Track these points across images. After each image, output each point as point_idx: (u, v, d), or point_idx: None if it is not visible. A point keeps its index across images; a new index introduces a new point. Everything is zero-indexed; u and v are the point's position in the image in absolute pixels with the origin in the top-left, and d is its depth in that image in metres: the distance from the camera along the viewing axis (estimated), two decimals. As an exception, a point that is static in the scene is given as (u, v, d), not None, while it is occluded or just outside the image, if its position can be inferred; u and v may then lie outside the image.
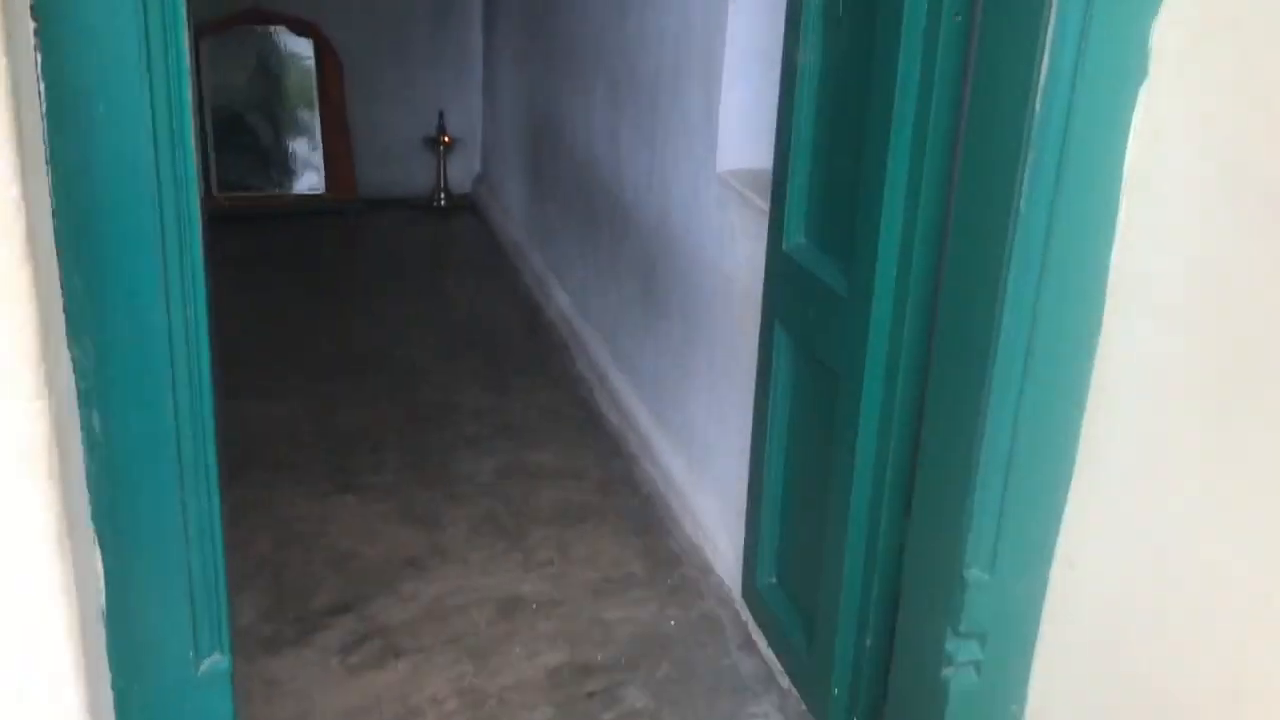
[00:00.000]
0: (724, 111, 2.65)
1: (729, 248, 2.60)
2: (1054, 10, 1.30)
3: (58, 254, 1.21)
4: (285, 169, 5.42)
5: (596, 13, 3.63)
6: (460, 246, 5.12)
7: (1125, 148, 1.35)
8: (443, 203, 5.57)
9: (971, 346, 1.48)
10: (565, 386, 3.63)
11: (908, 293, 1.69)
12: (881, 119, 1.65)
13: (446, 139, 5.56)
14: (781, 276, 2.06)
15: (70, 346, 1.26)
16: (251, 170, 5.37)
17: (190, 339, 1.33)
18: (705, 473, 2.84)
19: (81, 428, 1.29)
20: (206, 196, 5.25)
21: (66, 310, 1.24)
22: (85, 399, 1.29)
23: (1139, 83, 1.32)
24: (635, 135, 3.28)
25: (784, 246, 2.04)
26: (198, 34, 5.19)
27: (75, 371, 1.27)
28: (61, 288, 1.22)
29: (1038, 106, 1.34)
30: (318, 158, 5.44)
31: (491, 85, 5.50)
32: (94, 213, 1.24)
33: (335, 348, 3.82)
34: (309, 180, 5.43)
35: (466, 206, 5.63)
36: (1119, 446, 1.42)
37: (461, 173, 5.81)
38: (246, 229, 5.11)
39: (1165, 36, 1.30)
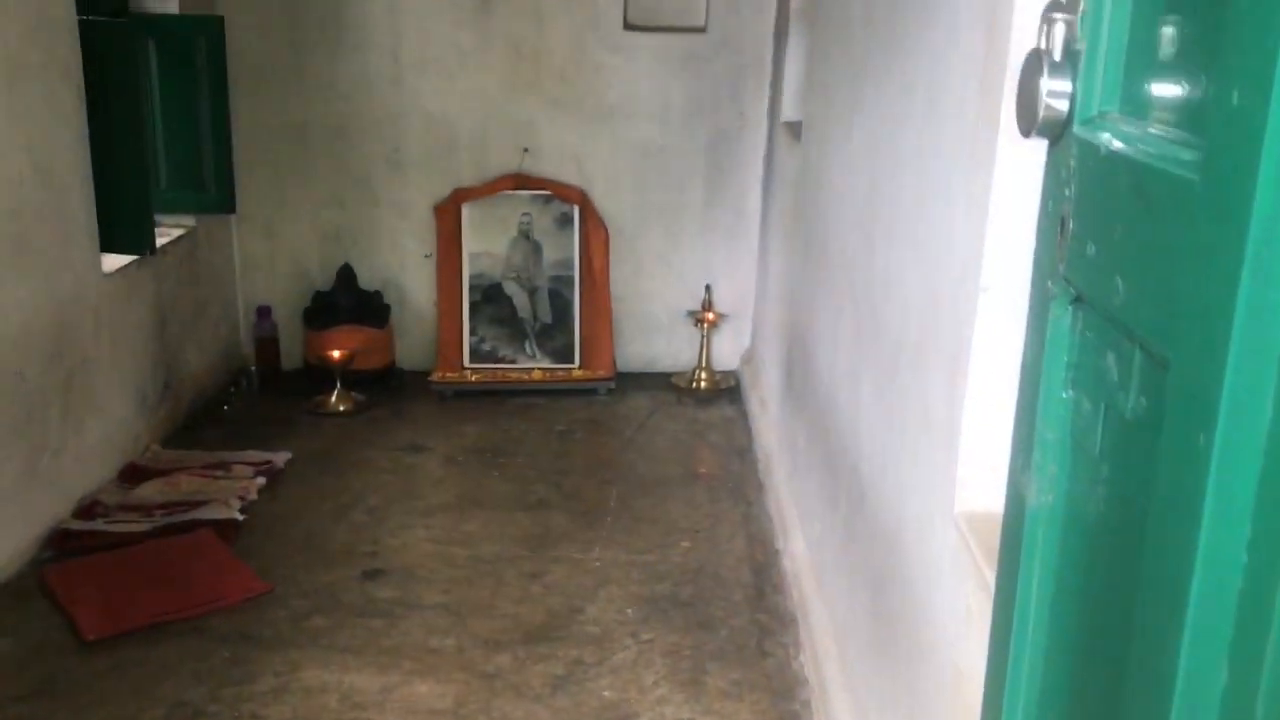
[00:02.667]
0: (968, 423, 1.86)
1: (964, 635, 1.78)
2: None
3: None
4: (539, 342, 5.05)
5: (850, 228, 2.92)
6: (708, 446, 4.47)
7: None
8: (701, 385, 4.98)
9: None
10: (779, 693, 2.85)
11: None
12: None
13: (710, 316, 4.98)
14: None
15: None
16: (504, 341, 5.05)
17: None
18: None
19: None
20: (457, 370, 4.97)
21: None
22: None
23: None
24: (876, 399, 2.52)
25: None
26: (458, 199, 4.97)
27: None
28: None
29: None
30: (574, 330, 5.03)
31: (765, 258, 4.88)
32: None
33: (522, 601, 3.25)
34: (562, 354, 5.03)
35: (729, 389, 5.01)
36: None
37: (731, 346, 5.22)
38: (488, 409, 4.76)
39: None
